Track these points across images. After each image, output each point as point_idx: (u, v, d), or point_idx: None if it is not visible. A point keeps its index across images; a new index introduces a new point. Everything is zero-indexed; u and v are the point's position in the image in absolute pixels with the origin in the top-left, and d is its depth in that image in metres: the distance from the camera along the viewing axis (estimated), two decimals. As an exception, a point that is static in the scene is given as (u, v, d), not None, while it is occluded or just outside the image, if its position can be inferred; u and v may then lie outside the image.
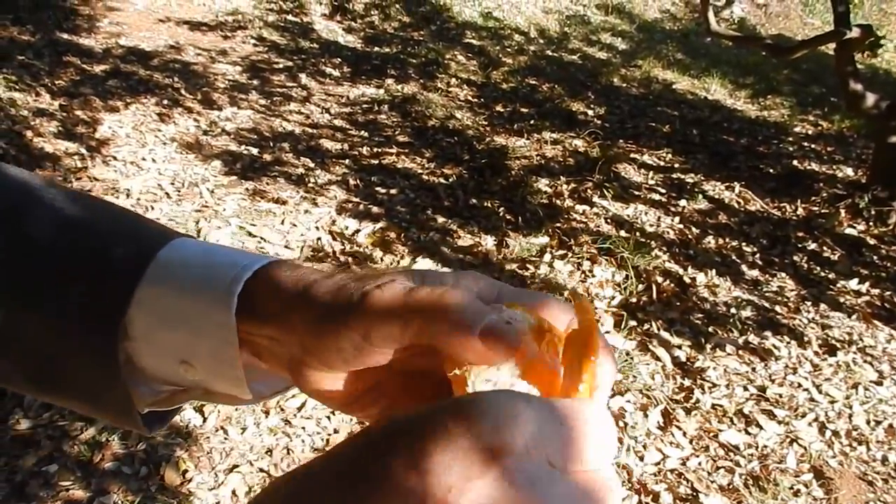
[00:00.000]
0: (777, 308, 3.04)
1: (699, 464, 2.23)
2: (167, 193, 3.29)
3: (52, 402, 0.45)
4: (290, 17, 5.96)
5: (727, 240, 3.55)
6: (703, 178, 4.19)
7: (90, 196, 0.43)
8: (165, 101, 4.15)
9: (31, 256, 0.39)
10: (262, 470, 2.00)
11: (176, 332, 0.38)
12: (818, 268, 3.39)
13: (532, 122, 4.73)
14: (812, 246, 3.57)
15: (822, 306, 3.08)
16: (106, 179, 3.31)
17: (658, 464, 2.21)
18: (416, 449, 0.25)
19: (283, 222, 3.21)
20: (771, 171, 4.44)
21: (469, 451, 0.25)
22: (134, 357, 0.40)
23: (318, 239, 3.13)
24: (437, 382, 0.35)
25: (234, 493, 1.92)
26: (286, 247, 3.04)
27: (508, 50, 6.22)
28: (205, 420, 2.13)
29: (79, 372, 0.40)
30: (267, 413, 2.18)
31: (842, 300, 3.14)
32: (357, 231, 3.22)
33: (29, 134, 3.48)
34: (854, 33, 3.71)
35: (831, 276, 3.33)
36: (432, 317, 0.32)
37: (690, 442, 2.31)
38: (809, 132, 5.25)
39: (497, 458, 0.25)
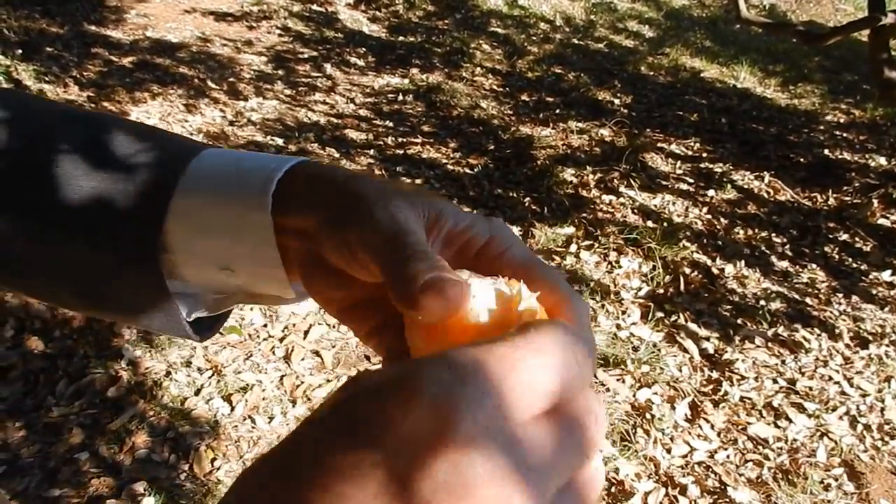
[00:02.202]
0: (807, 300, 2.99)
1: (727, 457, 2.21)
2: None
3: (99, 316, 0.46)
4: (314, 7, 5.96)
5: (756, 230, 3.50)
6: (731, 167, 4.13)
7: (114, 117, 0.44)
8: (192, 92, 4.18)
9: (66, 178, 0.39)
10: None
11: (214, 239, 0.39)
12: (850, 259, 3.33)
13: (558, 111, 4.69)
14: (843, 237, 3.51)
15: (854, 298, 3.03)
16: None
17: (685, 456, 2.19)
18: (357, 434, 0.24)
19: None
20: (801, 160, 4.36)
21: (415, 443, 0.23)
22: (175, 268, 0.40)
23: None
24: None
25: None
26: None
27: (534, 38, 6.16)
28: (232, 409, 2.15)
29: (124, 287, 0.40)
30: (294, 402, 2.20)
31: (874, 292, 3.08)
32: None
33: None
34: (889, 19, 3.62)
35: (863, 267, 3.27)
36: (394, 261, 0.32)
37: (718, 435, 2.29)
38: (841, 121, 5.14)
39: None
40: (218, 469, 1.96)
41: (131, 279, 0.40)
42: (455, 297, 0.30)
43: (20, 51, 3.93)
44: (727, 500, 2.06)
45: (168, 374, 2.23)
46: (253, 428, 2.10)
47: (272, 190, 0.37)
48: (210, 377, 2.24)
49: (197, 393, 2.18)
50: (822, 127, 4.97)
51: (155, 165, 0.40)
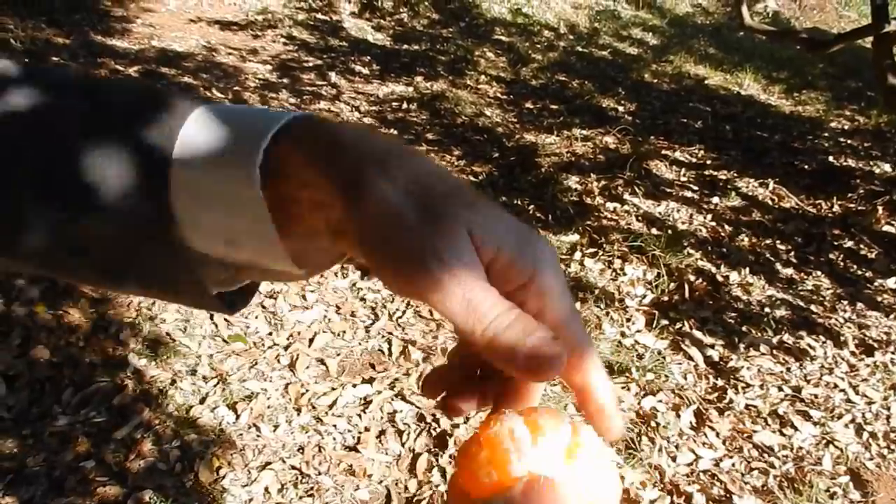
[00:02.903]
0: (812, 307, 2.98)
1: (733, 465, 2.20)
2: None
3: (127, 292, 0.44)
4: (319, 16, 6.00)
5: (761, 237, 3.50)
6: (736, 174, 4.13)
7: (110, 80, 0.42)
8: (197, 101, 4.20)
9: (70, 152, 0.37)
10: (293, 467, 2.01)
11: (212, 212, 0.37)
12: (855, 266, 3.32)
13: (562, 118, 4.70)
14: (848, 244, 3.50)
15: (859, 305, 3.02)
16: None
17: (691, 464, 2.19)
18: None
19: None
20: (806, 167, 4.36)
21: None
22: (188, 240, 0.38)
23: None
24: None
25: (266, 490, 1.94)
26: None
27: (538, 46, 6.18)
28: (237, 417, 2.15)
29: (144, 260, 0.38)
30: (299, 411, 2.20)
31: (879, 299, 3.07)
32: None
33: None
34: (893, 26, 3.62)
35: (868, 274, 3.26)
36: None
37: (724, 443, 2.28)
38: (846, 127, 5.14)
39: None
40: (223, 477, 1.96)
41: (148, 253, 0.38)
42: (558, 358, 0.32)
43: (27, 60, 3.96)
44: (733, 508, 2.06)
45: (173, 382, 2.23)
46: (258, 436, 2.10)
47: (258, 161, 0.35)
48: (215, 385, 2.25)
49: (202, 401, 2.19)
50: (826, 134, 4.97)
51: (153, 133, 0.37)
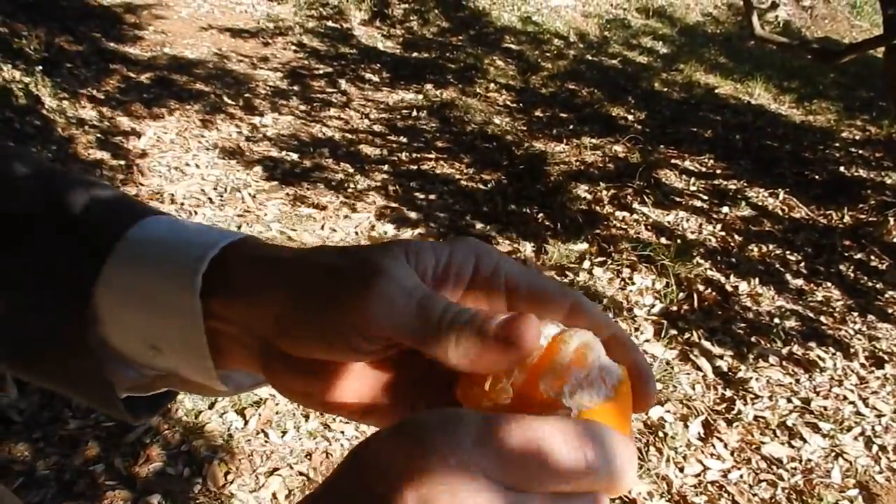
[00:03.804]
0: (822, 318, 2.97)
1: (741, 476, 2.19)
2: (210, 199, 3.36)
3: (32, 380, 0.42)
4: (329, 23, 6.03)
5: (771, 248, 3.49)
6: (745, 184, 4.12)
7: (76, 175, 0.42)
8: (208, 108, 4.24)
9: (15, 232, 0.38)
10: (301, 473, 2.02)
11: (140, 314, 0.36)
12: (865, 277, 3.31)
13: (571, 127, 4.70)
14: (859, 255, 3.49)
15: (870, 317, 3.00)
16: (151, 185, 3.39)
17: (698, 475, 2.18)
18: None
19: (322, 227, 3.25)
20: (816, 177, 4.34)
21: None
22: (108, 340, 0.38)
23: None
24: (423, 384, 0.35)
25: (274, 495, 1.94)
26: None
27: (547, 54, 6.20)
28: (246, 423, 2.16)
29: (54, 356, 0.38)
30: (307, 417, 2.21)
31: (890, 311, 3.06)
32: (396, 236, 3.24)
33: (77, 140, 3.58)
34: (905, 37, 3.61)
35: (879, 286, 3.24)
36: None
37: (732, 454, 2.28)
38: (857, 137, 5.12)
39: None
40: (231, 483, 1.97)
41: (59, 347, 0.37)
42: (532, 332, 0.30)
43: (40, 67, 4.00)
44: (741, 520, 2.05)
45: (183, 387, 2.24)
46: (266, 442, 2.11)
47: (202, 270, 0.35)
48: (224, 391, 2.26)
49: (211, 406, 2.20)
50: (837, 144, 4.96)
51: (96, 228, 0.38)
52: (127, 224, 0.38)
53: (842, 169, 4.48)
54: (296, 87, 4.80)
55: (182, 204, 3.26)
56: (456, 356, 0.31)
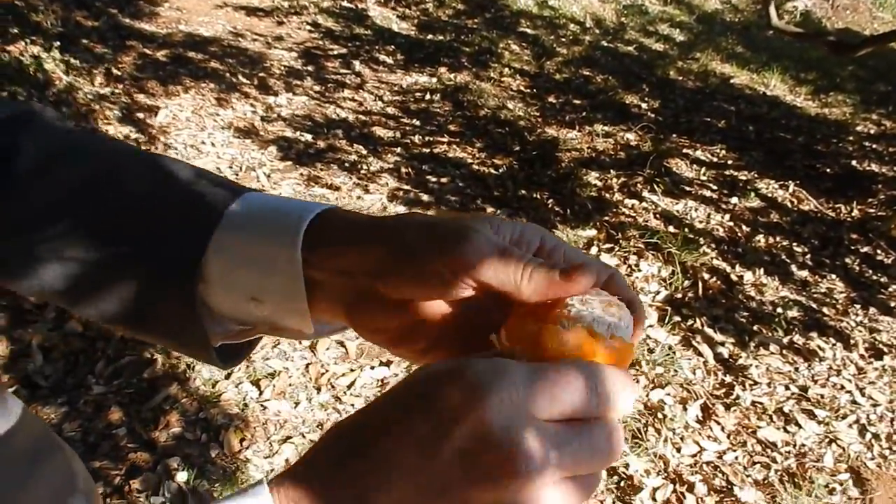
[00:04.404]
0: (824, 309, 3.03)
1: (735, 458, 2.27)
2: (226, 177, 3.43)
3: (141, 338, 0.51)
4: (344, 3, 6.06)
5: (778, 239, 3.53)
6: (756, 175, 4.15)
7: (173, 160, 0.50)
8: (223, 86, 4.30)
9: (128, 214, 0.46)
10: (313, 442, 2.10)
11: (248, 271, 0.43)
12: (870, 271, 3.35)
13: (584, 113, 4.74)
14: (865, 249, 3.53)
15: (872, 310, 3.06)
16: (171, 161, 3.46)
17: (695, 456, 2.25)
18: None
19: (336, 207, 3.32)
20: (828, 170, 4.37)
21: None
22: (207, 299, 0.45)
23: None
24: (467, 335, 0.43)
25: (287, 461, 2.04)
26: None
27: (563, 40, 6.21)
28: (260, 393, 2.25)
29: (165, 313, 0.45)
30: (319, 389, 2.29)
31: (892, 304, 3.11)
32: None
33: (94, 117, 3.66)
34: (919, 32, 3.62)
35: (883, 279, 3.29)
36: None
37: (728, 437, 2.35)
38: (871, 131, 5.13)
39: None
40: (246, 448, 2.06)
41: (171, 305, 0.44)
42: (587, 274, 0.39)
43: (58, 42, 4.05)
44: (733, 499, 2.13)
45: (200, 358, 2.33)
46: (279, 412, 2.20)
47: (303, 229, 0.42)
48: (239, 363, 2.35)
49: (227, 377, 2.29)
50: (851, 137, 4.96)
51: (202, 204, 0.45)
52: (229, 198, 0.45)
53: (854, 163, 4.50)
54: (310, 68, 4.84)
55: (200, 181, 3.33)
56: (528, 288, 0.39)
